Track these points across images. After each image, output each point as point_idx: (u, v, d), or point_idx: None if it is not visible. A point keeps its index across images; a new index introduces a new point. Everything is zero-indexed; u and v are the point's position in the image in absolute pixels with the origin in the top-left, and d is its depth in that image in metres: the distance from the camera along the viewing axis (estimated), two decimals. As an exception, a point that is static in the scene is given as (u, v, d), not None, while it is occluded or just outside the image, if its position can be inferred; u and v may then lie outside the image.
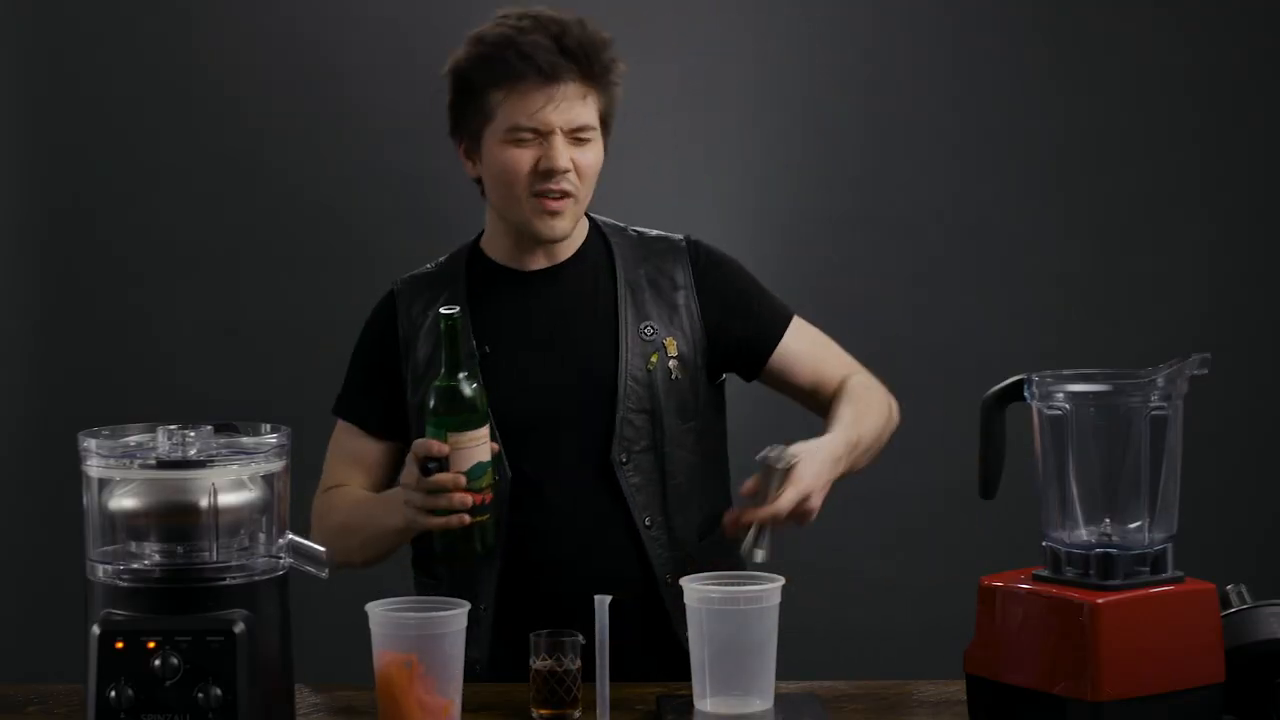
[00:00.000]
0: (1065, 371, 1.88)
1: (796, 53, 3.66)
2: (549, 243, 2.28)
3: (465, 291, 2.30)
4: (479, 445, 2.02)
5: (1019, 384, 1.90)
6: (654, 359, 2.27)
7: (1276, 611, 1.88)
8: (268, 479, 1.84)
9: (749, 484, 2.13)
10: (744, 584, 1.91)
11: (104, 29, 3.60)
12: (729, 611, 1.89)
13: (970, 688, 1.89)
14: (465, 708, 1.91)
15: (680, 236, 2.37)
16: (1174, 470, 1.83)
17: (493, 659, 2.23)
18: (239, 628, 1.76)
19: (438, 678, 1.84)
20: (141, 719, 1.74)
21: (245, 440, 1.86)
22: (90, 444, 1.82)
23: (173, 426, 1.83)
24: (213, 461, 1.80)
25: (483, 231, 2.37)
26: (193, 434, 1.82)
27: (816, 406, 2.36)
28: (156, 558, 1.80)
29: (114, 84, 3.60)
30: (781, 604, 1.91)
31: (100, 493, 1.82)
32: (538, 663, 1.95)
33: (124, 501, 1.80)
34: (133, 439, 1.85)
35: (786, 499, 2.09)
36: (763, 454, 2.11)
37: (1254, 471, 3.70)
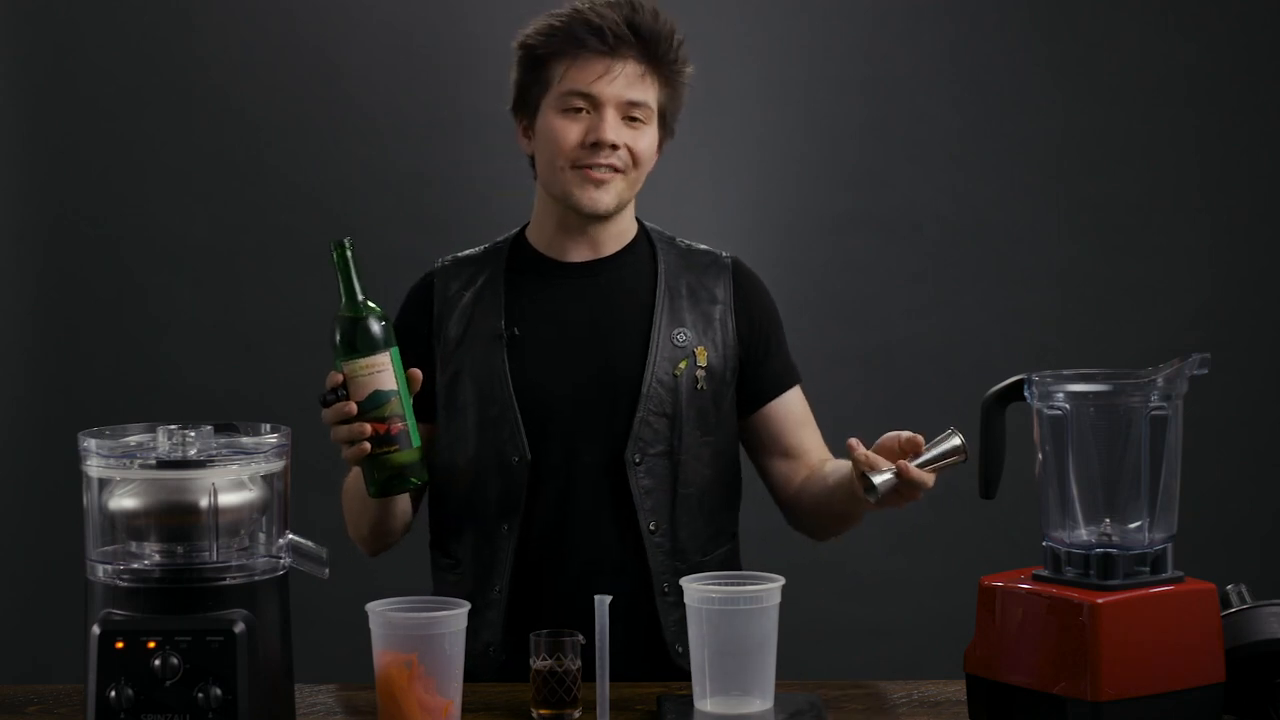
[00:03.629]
0: (1065, 371, 1.88)
1: (796, 53, 3.66)
2: (591, 218, 2.26)
3: (504, 275, 2.30)
4: (374, 373, 1.99)
5: (1019, 384, 1.90)
6: (682, 365, 2.27)
7: (1276, 611, 1.88)
8: (268, 479, 1.84)
9: (917, 437, 2.03)
10: (744, 584, 1.91)
11: (104, 29, 3.60)
12: (729, 611, 1.89)
13: (970, 688, 1.89)
14: (465, 708, 1.91)
15: (726, 254, 2.37)
16: (1174, 470, 1.83)
17: (506, 642, 2.23)
18: (239, 628, 1.76)
19: (438, 678, 1.84)
20: (141, 719, 1.74)
21: (245, 440, 1.86)
22: (90, 444, 1.81)
23: (173, 426, 1.83)
24: (213, 461, 1.80)
25: (528, 222, 2.37)
26: (193, 434, 1.82)
27: (779, 472, 2.35)
28: (156, 558, 1.80)
29: (114, 84, 3.60)
30: (781, 604, 1.92)
31: (100, 493, 1.82)
32: (538, 663, 1.95)
33: (124, 501, 1.80)
34: (133, 439, 1.85)
35: (925, 476, 2.01)
36: (956, 431, 2.03)
37: (1254, 471, 3.70)
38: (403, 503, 2.28)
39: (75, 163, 3.62)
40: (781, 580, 1.92)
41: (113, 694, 1.74)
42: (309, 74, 3.60)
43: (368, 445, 1.99)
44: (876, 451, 2.05)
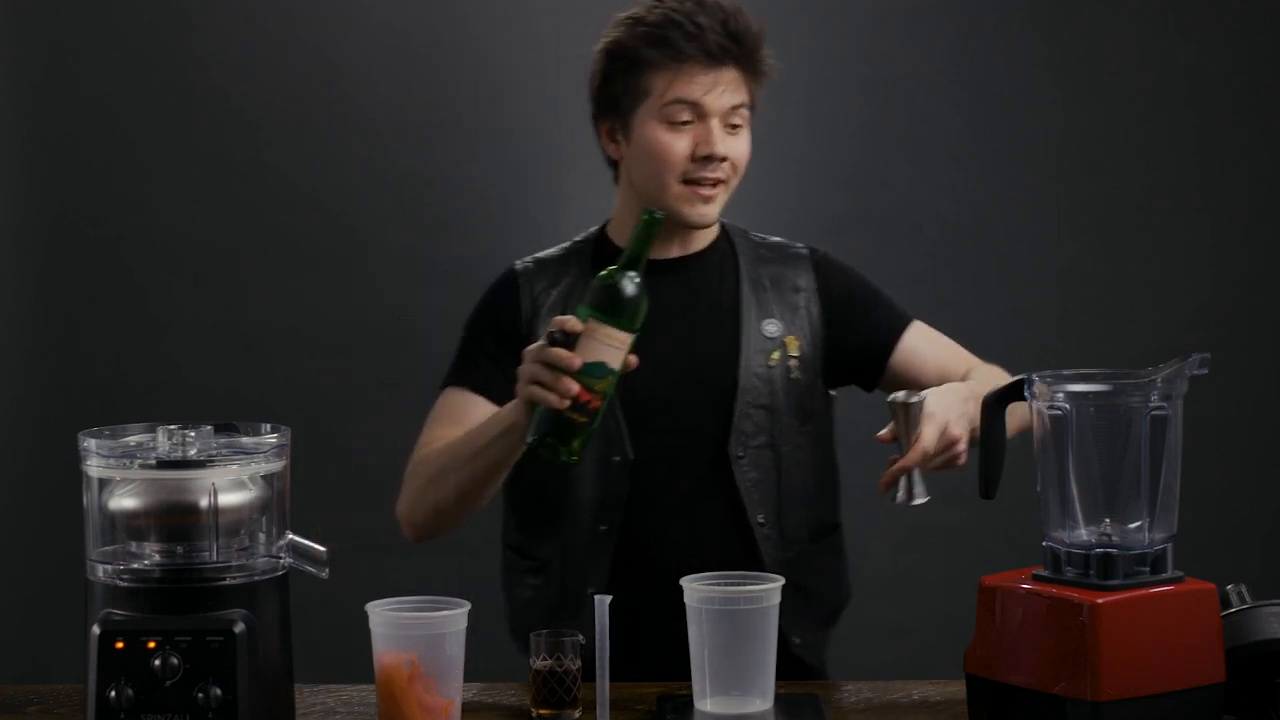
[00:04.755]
0: (1065, 371, 1.88)
1: (796, 53, 3.64)
2: (693, 229, 2.26)
3: (591, 274, 2.24)
4: (611, 346, 1.94)
5: (1019, 384, 1.90)
6: (775, 356, 2.27)
7: (1276, 611, 1.88)
8: (268, 479, 1.84)
9: (885, 432, 2.08)
10: (744, 584, 1.91)
11: (104, 29, 3.60)
12: (729, 611, 1.89)
13: (970, 688, 1.89)
14: (465, 707, 1.91)
15: (802, 244, 2.38)
16: (1174, 470, 1.83)
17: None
18: (239, 628, 1.76)
19: (438, 678, 1.84)
20: (141, 719, 1.74)
21: (245, 440, 1.86)
22: (90, 444, 1.81)
23: (173, 426, 1.83)
24: (213, 461, 1.80)
25: (609, 220, 2.36)
26: (193, 434, 1.82)
27: None
28: (156, 558, 1.80)
29: (114, 83, 3.60)
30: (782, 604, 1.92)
31: (100, 493, 1.82)
32: (538, 663, 1.95)
33: (124, 501, 1.80)
34: (133, 439, 1.85)
35: (928, 436, 2.04)
36: (892, 397, 2.07)
37: (1254, 471, 3.70)
38: (499, 478, 2.21)
39: (75, 163, 3.61)
40: (781, 580, 1.92)
41: (113, 694, 1.74)
42: (309, 74, 3.60)
43: (566, 403, 1.93)
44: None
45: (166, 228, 3.60)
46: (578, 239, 2.37)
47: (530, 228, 3.60)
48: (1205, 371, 1.81)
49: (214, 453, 1.82)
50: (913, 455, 2.04)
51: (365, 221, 3.61)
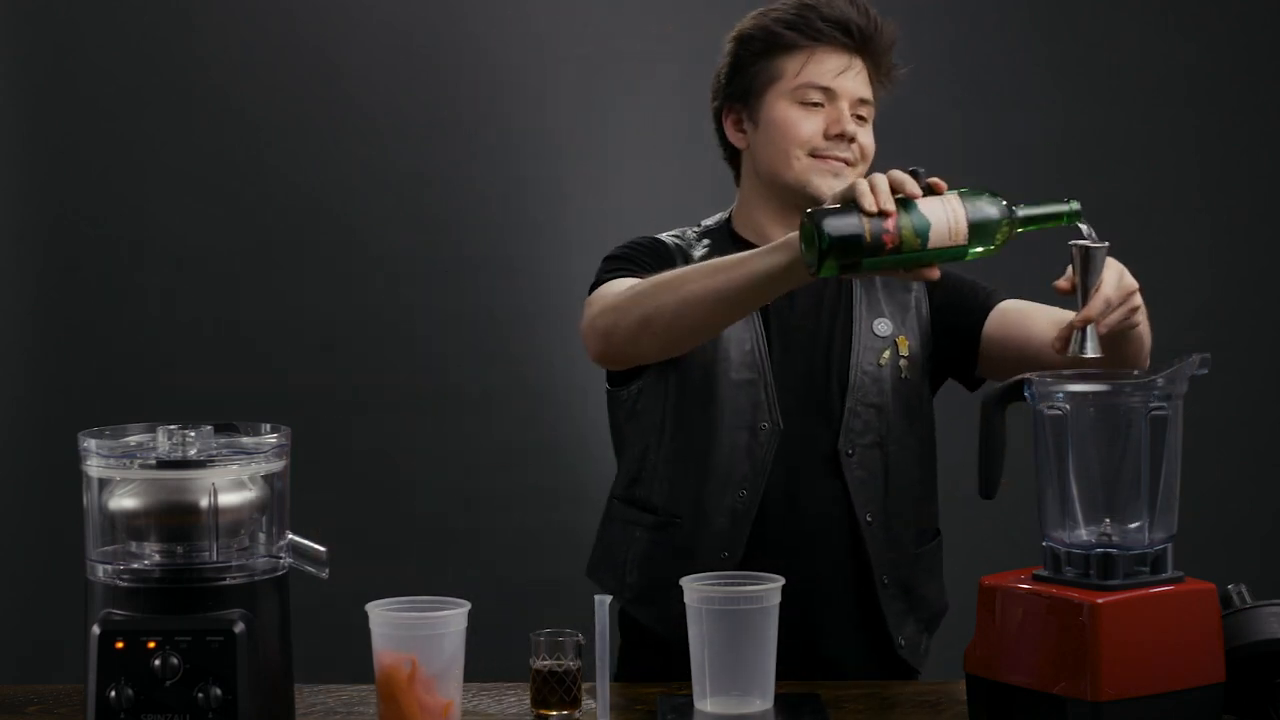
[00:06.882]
0: (1065, 371, 1.88)
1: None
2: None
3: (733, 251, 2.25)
4: (950, 222, 1.86)
5: (1019, 384, 1.90)
6: (886, 355, 2.27)
7: (1276, 611, 1.88)
8: (268, 479, 1.84)
9: (1063, 280, 2.00)
10: (744, 584, 1.91)
11: (104, 29, 3.60)
12: (729, 611, 1.88)
13: (970, 688, 1.89)
14: (465, 708, 1.91)
15: None
16: (1174, 470, 1.83)
17: None
18: (239, 628, 1.76)
19: (438, 678, 1.84)
20: (141, 719, 1.74)
21: (245, 440, 1.86)
22: (90, 444, 1.81)
23: (173, 426, 1.83)
24: (213, 461, 1.80)
25: (731, 214, 2.35)
26: (193, 434, 1.82)
27: (1048, 360, 2.09)
28: (156, 558, 1.80)
29: (114, 83, 3.60)
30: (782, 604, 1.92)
31: (100, 493, 1.82)
32: (538, 663, 1.95)
33: (124, 501, 1.80)
34: (133, 439, 1.85)
35: (1110, 281, 1.95)
36: (1074, 241, 1.99)
37: (1254, 471, 3.70)
38: (742, 305, 2.07)
39: (75, 163, 3.62)
40: (781, 580, 1.91)
41: (113, 694, 1.74)
42: (309, 74, 3.60)
43: (874, 210, 1.82)
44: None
45: (166, 228, 3.61)
46: (707, 222, 2.35)
47: (530, 228, 3.60)
48: (1205, 371, 1.81)
49: (214, 453, 1.82)
50: (1095, 303, 1.92)
51: (365, 221, 3.61)
